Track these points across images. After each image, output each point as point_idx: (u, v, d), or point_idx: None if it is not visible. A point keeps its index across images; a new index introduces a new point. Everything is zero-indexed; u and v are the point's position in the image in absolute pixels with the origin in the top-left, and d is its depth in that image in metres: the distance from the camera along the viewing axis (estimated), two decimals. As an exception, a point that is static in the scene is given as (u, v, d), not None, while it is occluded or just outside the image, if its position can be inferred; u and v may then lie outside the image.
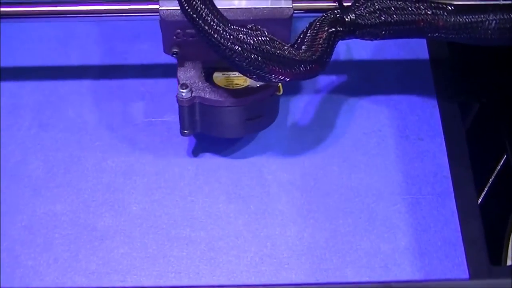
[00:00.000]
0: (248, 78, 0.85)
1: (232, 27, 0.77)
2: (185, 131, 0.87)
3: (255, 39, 0.77)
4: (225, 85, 0.87)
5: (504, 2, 0.84)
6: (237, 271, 0.84)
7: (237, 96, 0.85)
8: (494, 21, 0.82)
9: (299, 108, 0.96)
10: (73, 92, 0.97)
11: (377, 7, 0.82)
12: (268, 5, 0.84)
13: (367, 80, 0.99)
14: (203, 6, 0.77)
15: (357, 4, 0.82)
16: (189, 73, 0.87)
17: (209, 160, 0.92)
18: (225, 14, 0.79)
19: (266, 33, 0.78)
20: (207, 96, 0.85)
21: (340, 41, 0.82)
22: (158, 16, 0.84)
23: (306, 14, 0.87)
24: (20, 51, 1.00)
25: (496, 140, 0.97)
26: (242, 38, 0.77)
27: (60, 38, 1.01)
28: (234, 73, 0.87)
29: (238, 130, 0.89)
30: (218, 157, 0.92)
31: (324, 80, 0.98)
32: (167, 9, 0.83)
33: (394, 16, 0.82)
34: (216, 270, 0.84)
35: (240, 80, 0.87)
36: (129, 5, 0.87)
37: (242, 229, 0.87)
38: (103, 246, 0.85)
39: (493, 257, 0.85)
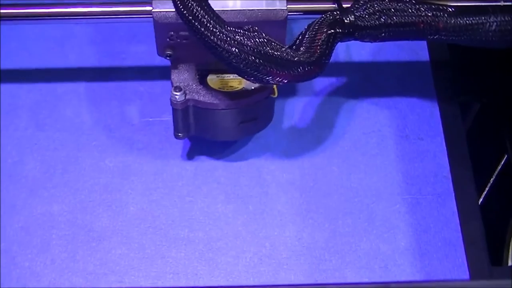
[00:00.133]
0: (243, 81, 0.85)
1: (228, 28, 0.76)
2: (179, 134, 0.87)
3: (252, 41, 0.77)
4: (219, 88, 0.86)
5: (505, 4, 0.84)
6: (235, 271, 0.84)
7: (231, 99, 0.84)
8: (495, 23, 0.81)
9: (299, 108, 0.96)
10: (70, 92, 0.96)
11: (376, 8, 0.81)
12: (263, 6, 0.83)
13: (367, 79, 0.99)
14: (199, 8, 0.77)
15: (356, 5, 0.82)
16: (183, 76, 0.86)
17: (208, 160, 0.91)
18: (219, 16, 0.78)
19: (264, 35, 0.78)
20: (201, 99, 0.84)
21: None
22: (152, 18, 0.83)
23: (301, 16, 0.87)
24: (17, 52, 1.00)
25: (497, 140, 0.97)
26: (239, 39, 0.76)
27: (57, 39, 1.01)
28: (228, 75, 0.87)
29: (232, 133, 0.88)
30: (216, 157, 0.91)
31: (323, 79, 0.98)
32: (160, 11, 0.83)
33: (394, 17, 0.81)
34: (214, 271, 0.84)
35: (234, 82, 0.86)
36: (122, 7, 0.86)
37: (241, 230, 0.86)
38: (101, 247, 0.85)
39: (493, 258, 0.85)
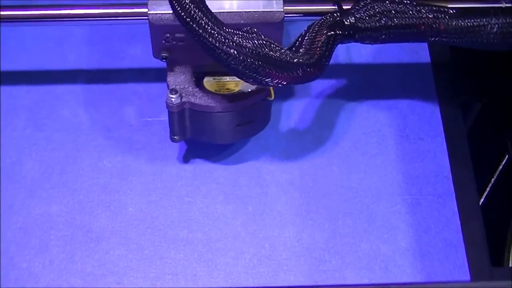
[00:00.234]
0: (239, 83, 0.85)
1: (227, 30, 0.76)
2: (175, 137, 0.86)
3: (251, 42, 0.76)
4: (216, 90, 0.85)
5: (507, 5, 0.84)
6: (235, 272, 0.83)
7: (228, 101, 0.84)
8: (496, 25, 0.80)
9: (298, 108, 0.95)
10: (68, 92, 0.96)
11: (377, 10, 0.81)
12: (260, 8, 0.83)
13: (367, 79, 0.98)
14: (197, 9, 0.76)
15: (357, 7, 0.81)
16: (179, 78, 0.86)
17: (207, 161, 0.91)
18: (215, 18, 0.78)
19: (263, 36, 0.77)
20: (197, 102, 0.84)
21: (340, 42, 0.82)
22: (147, 20, 0.83)
23: (298, 18, 0.87)
24: (15, 53, 0.99)
25: (498, 140, 0.97)
26: (237, 41, 0.76)
27: (55, 39, 1.01)
28: (225, 77, 0.86)
29: (229, 135, 0.88)
30: (216, 158, 0.91)
31: (323, 79, 0.97)
32: (156, 13, 0.82)
33: (395, 19, 0.80)
34: (213, 272, 0.83)
35: (231, 84, 0.86)
36: (118, 8, 0.86)
37: (240, 230, 0.86)
38: (99, 248, 0.85)
39: (494, 259, 0.85)
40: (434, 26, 0.81)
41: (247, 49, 0.75)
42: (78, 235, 0.85)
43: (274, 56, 0.76)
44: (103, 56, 0.99)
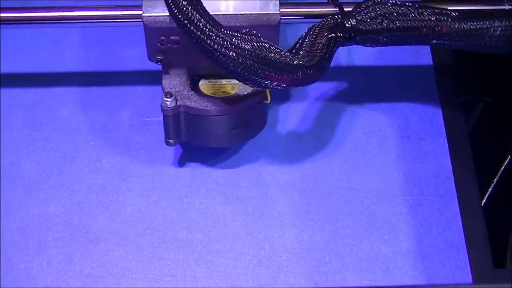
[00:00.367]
0: (235, 86, 0.84)
1: (225, 32, 0.75)
2: (170, 140, 0.86)
3: (250, 44, 0.75)
4: (211, 93, 0.85)
5: (510, 8, 0.83)
6: (234, 274, 0.83)
7: (223, 105, 0.83)
8: (499, 28, 0.80)
9: (299, 108, 0.95)
10: (66, 92, 0.96)
11: (378, 12, 0.80)
12: (256, 11, 0.82)
13: (367, 79, 0.98)
14: (194, 12, 0.75)
15: (358, 9, 0.81)
16: (174, 81, 0.85)
17: (206, 161, 0.91)
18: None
19: (262, 38, 0.77)
20: (192, 105, 0.83)
21: (341, 42, 0.81)
22: (142, 23, 0.82)
23: (294, 20, 0.86)
24: (14, 53, 0.99)
25: (500, 140, 0.97)
26: (236, 43, 0.75)
27: (53, 40, 1.00)
28: (221, 80, 0.86)
29: (224, 139, 0.87)
30: (215, 158, 0.91)
31: (324, 80, 0.97)
32: (151, 15, 0.82)
33: (397, 22, 0.80)
34: (213, 273, 0.83)
35: (227, 87, 0.85)
36: (113, 11, 0.86)
37: (239, 231, 0.86)
38: (98, 249, 0.84)
39: (496, 260, 0.85)
40: (437, 29, 0.80)
41: (246, 51, 0.75)
42: (76, 236, 0.85)
43: (273, 58, 0.76)
44: (101, 57, 0.99)
